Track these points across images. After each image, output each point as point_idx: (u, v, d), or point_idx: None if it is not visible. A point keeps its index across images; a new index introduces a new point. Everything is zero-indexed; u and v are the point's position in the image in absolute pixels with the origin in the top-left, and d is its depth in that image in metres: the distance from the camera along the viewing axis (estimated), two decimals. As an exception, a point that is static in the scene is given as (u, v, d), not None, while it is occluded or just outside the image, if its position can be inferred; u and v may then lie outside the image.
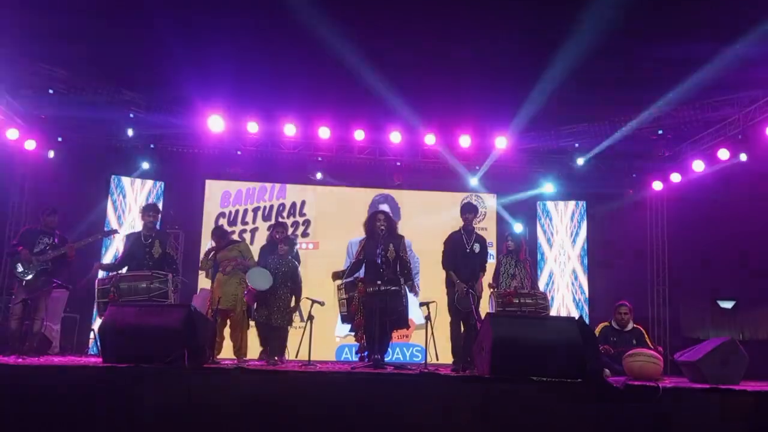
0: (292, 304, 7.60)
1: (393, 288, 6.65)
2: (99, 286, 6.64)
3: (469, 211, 7.42)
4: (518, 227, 11.54)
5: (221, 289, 7.39)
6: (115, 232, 7.68)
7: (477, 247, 7.23)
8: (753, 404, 4.60)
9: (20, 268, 7.23)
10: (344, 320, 6.96)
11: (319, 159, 11.36)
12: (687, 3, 7.62)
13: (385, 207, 11.08)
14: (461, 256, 7.19)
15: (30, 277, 7.23)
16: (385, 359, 6.63)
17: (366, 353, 6.74)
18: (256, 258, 7.84)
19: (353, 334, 6.96)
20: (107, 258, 10.19)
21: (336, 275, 7.02)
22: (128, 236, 7.47)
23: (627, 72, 8.81)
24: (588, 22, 7.85)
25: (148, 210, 7.37)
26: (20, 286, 7.30)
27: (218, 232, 7.91)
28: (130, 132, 10.67)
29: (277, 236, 7.97)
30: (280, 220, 11.01)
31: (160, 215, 7.78)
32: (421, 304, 7.02)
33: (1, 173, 10.03)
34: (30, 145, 10.04)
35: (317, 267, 11.10)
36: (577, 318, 5.53)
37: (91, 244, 7.66)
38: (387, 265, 6.72)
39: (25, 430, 4.30)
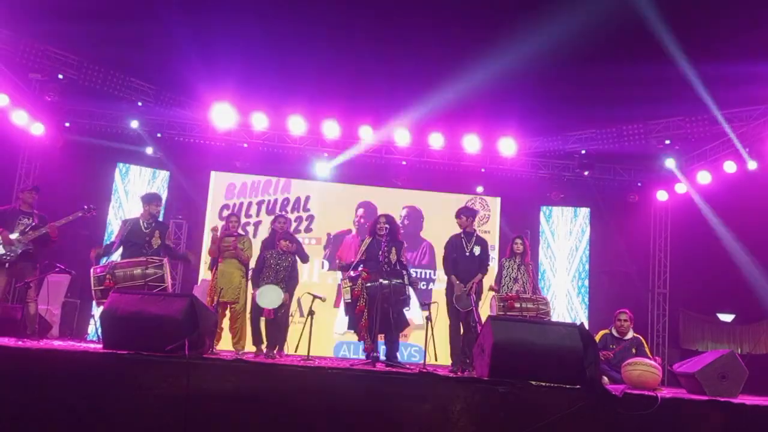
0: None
1: (396, 280, 6.66)
2: (95, 274, 6.61)
3: (461, 214, 7.41)
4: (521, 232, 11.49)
5: (224, 280, 7.40)
6: (93, 209, 7.40)
7: (477, 250, 7.23)
8: (751, 418, 4.60)
9: (2, 251, 6.84)
10: (348, 309, 6.91)
11: (326, 155, 11.36)
12: (698, 20, 7.66)
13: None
14: (461, 258, 7.20)
15: (12, 259, 6.87)
16: (380, 358, 6.61)
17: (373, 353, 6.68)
18: (256, 253, 7.85)
19: (353, 331, 6.97)
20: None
21: (340, 265, 7.16)
22: (125, 222, 7.35)
23: (637, 81, 8.80)
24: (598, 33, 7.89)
25: (152, 200, 7.29)
26: (1, 269, 6.90)
27: (235, 218, 7.90)
28: (136, 123, 10.70)
29: (277, 227, 7.99)
30: (283, 213, 11.04)
31: (162, 206, 7.73)
32: (422, 305, 7.03)
33: (8, 156, 10.04)
34: (37, 129, 10.06)
35: (319, 262, 11.23)
36: (578, 324, 5.51)
37: (72, 222, 7.37)
38: (389, 265, 6.73)
39: (24, 414, 4.31)
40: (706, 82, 8.48)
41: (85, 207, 7.23)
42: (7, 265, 6.88)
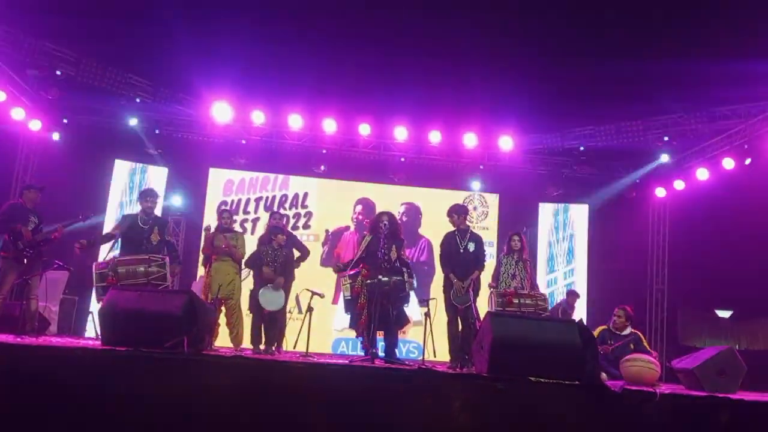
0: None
1: (396, 278, 6.67)
2: (97, 270, 6.58)
3: (452, 213, 7.41)
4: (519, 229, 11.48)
5: (218, 277, 7.39)
6: (87, 217, 7.47)
7: (472, 246, 7.22)
8: (750, 414, 4.60)
9: (21, 246, 6.86)
10: (347, 306, 6.91)
11: (324, 152, 11.36)
12: (699, 17, 7.69)
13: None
14: (456, 255, 7.20)
15: (30, 255, 6.90)
16: (379, 355, 6.61)
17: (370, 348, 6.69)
18: (251, 249, 7.83)
19: (352, 327, 6.96)
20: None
21: (338, 268, 7.14)
22: (125, 216, 7.36)
23: (636, 78, 8.82)
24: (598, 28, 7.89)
25: (148, 195, 7.26)
26: (12, 266, 6.88)
27: (227, 215, 7.88)
28: (134, 120, 10.68)
29: (272, 223, 7.96)
30: (281, 211, 11.01)
31: (158, 201, 7.70)
32: (421, 302, 7.02)
33: (6, 152, 10.01)
34: (35, 125, 10.03)
35: (318, 259, 11.20)
36: (577, 320, 5.52)
37: (72, 225, 7.40)
38: (389, 263, 6.74)
39: (22, 411, 4.30)
40: (706, 78, 8.49)
41: (80, 216, 7.24)
42: (25, 261, 6.89)
